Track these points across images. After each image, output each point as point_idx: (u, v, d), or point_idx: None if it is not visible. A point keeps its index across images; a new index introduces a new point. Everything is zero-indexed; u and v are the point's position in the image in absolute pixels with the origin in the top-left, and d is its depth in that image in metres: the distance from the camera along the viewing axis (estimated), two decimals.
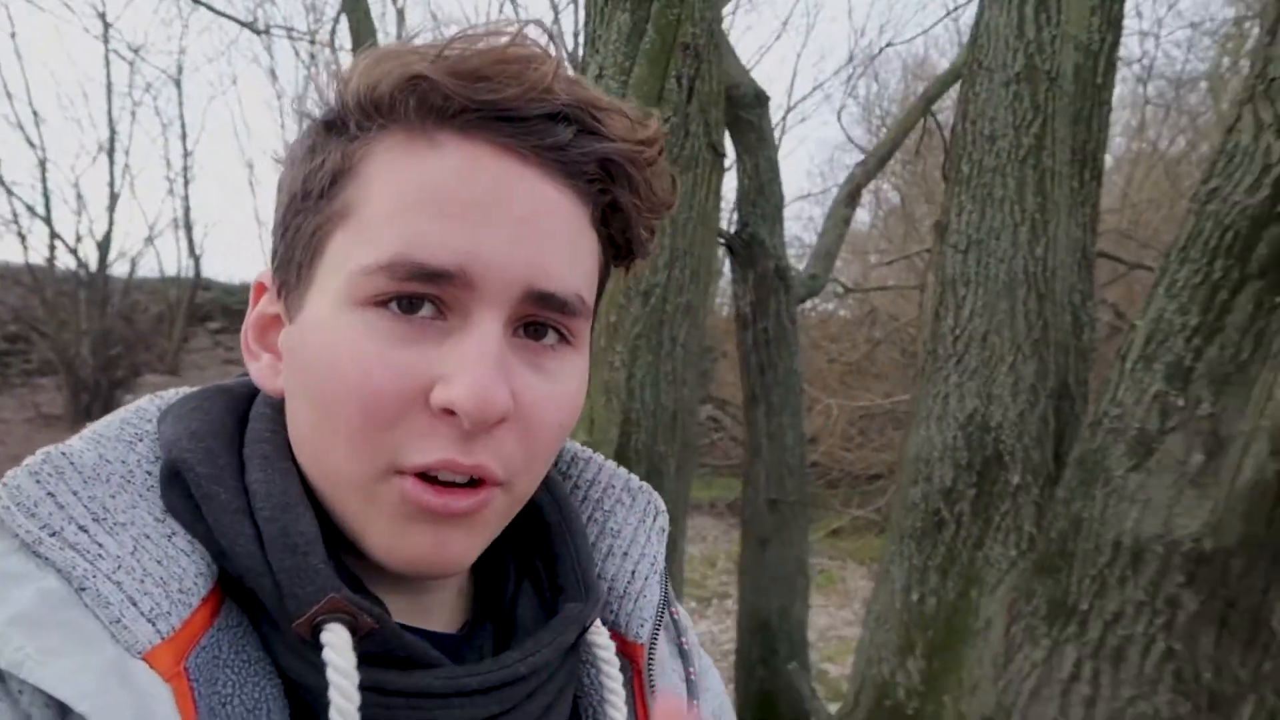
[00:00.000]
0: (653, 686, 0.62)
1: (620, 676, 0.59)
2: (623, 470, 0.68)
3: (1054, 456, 2.43)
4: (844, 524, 8.26)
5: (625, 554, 0.64)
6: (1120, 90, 9.13)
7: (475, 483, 0.51)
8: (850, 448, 8.40)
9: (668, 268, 2.82)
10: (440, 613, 0.59)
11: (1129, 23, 7.18)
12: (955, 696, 2.04)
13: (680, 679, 0.66)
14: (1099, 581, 1.83)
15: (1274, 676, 1.73)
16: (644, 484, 0.68)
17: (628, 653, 0.62)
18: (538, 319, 0.53)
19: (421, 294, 0.50)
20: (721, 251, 3.91)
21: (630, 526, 0.65)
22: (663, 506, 0.68)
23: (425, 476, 0.51)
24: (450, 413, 0.49)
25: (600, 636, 0.60)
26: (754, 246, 3.72)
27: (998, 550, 2.27)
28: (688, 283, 2.85)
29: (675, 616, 0.69)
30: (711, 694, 0.71)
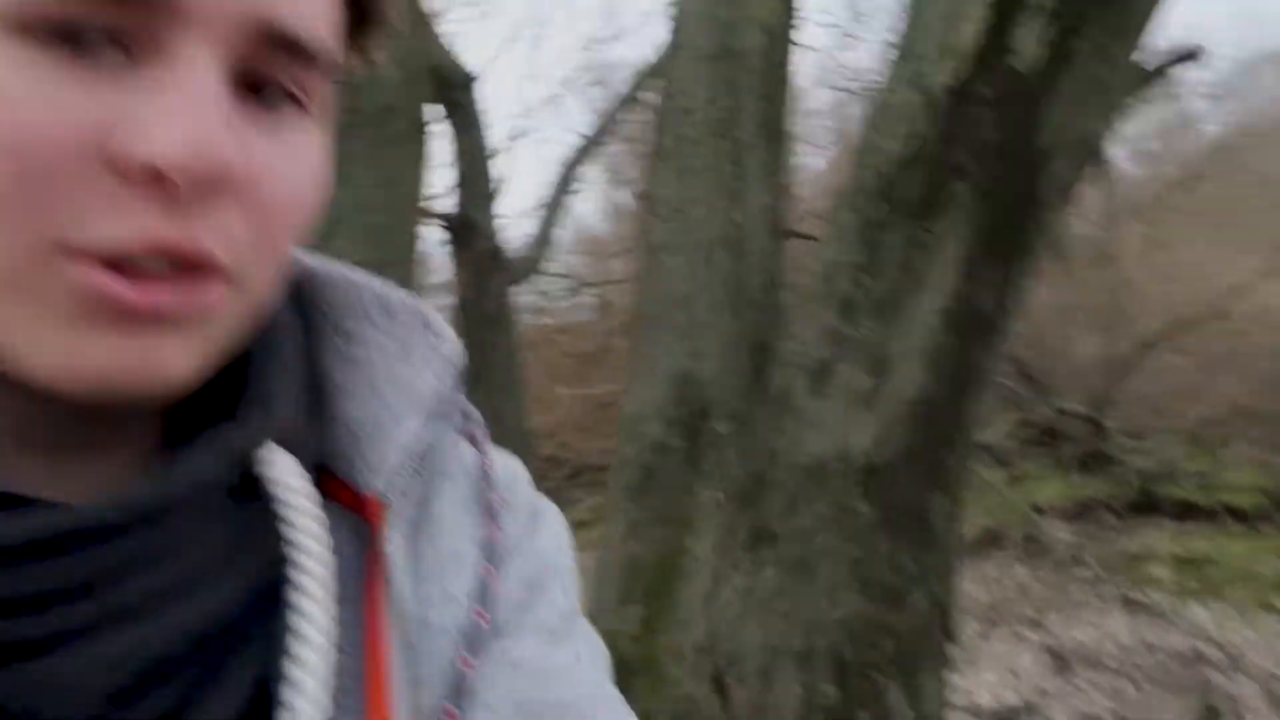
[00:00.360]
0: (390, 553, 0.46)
1: (317, 531, 0.44)
2: (385, 288, 0.52)
3: (754, 405, 2.58)
4: (587, 516, 8.39)
5: (372, 387, 0.49)
6: (835, 96, 10.02)
7: (189, 273, 0.37)
8: (588, 438, 8.56)
9: (375, 245, 2.73)
10: (107, 481, 0.42)
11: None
12: (671, 636, 2.11)
13: (474, 543, 0.50)
14: (790, 503, 1.97)
15: (935, 567, 1.94)
16: (412, 301, 0.51)
17: (362, 511, 0.47)
18: (264, 73, 0.39)
19: (101, 23, 0.35)
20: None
21: (385, 354, 0.50)
22: (442, 328, 0.51)
23: (113, 265, 0.35)
24: (153, 176, 0.35)
25: (281, 473, 0.45)
26: (469, 228, 3.69)
27: (707, 495, 2.37)
28: (394, 261, 2.76)
29: (487, 468, 0.54)
30: (532, 558, 0.53)
